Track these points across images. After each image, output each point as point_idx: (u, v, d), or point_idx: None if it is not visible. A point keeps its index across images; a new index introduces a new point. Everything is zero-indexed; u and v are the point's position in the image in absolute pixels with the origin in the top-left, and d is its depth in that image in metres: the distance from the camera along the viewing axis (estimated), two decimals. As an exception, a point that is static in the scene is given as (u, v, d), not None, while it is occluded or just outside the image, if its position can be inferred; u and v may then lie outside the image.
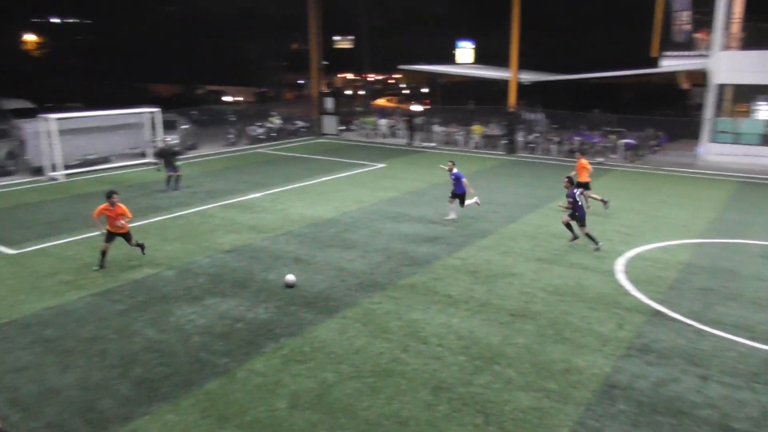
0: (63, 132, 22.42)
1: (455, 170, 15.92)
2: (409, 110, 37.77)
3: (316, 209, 17.49)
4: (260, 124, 33.76)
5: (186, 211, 17.27)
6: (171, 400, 7.69)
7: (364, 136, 35.06)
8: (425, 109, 38.43)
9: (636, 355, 8.92)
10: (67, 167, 22.72)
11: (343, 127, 36.36)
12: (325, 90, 39.92)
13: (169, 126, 27.40)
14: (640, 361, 8.73)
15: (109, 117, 24.76)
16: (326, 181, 21.71)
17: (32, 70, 55.38)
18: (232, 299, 10.90)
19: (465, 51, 48.57)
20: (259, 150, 29.94)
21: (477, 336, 9.49)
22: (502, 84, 32.07)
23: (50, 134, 21.93)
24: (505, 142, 29.30)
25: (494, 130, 31.29)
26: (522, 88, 30.27)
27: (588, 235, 13.78)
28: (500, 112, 31.23)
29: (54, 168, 22.31)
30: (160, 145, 21.10)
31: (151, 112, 25.55)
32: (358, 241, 14.35)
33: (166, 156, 20.47)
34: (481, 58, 46.89)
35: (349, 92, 64.54)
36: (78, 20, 62.97)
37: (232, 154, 28.65)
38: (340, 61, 63.36)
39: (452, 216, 16.21)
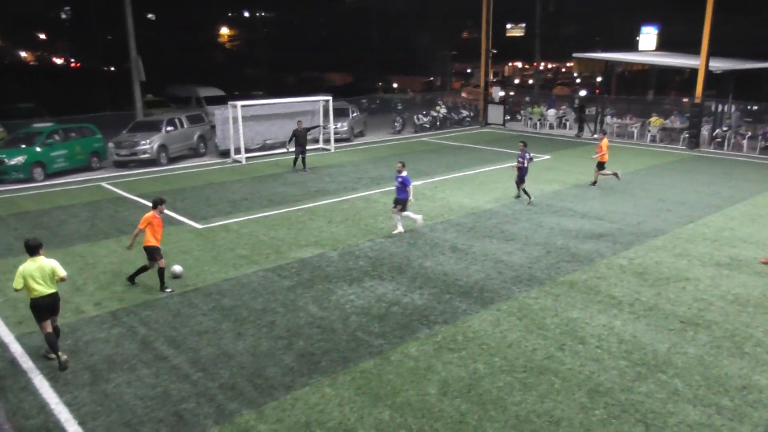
0: (246, 118, 24.38)
1: (404, 173, 13.91)
2: (582, 98, 36.01)
3: (476, 199, 17.39)
4: (425, 112, 34.20)
5: (351, 196, 18.01)
6: (329, 374, 8.11)
7: (531, 127, 34.14)
8: (595, 97, 36.48)
9: (832, 380, 7.85)
10: (248, 151, 24.69)
11: (509, 117, 35.65)
12: (493, 79, 39.37)
13: (340, 114, 28.70)
14: (837, 388, 7.67)
15: (286, 105, 26.50)
16: (488, 172, 21.47)
17: (225, 61, 60.79)
18: (390, 283, 11.21)
19: (648, 37, 45.22)
20: (423, 138, 30.36)
21: (641, 341, 8.89)
22: (687, 73, 29.46)
23: (236, 120, 23.93)
24: (688, 135, 26.98)
25: (675, 122, 28.94)
26: (711, 77, 27.55)
27: (523, 190, 16.79)
28: (683, 103, 28.76)
29: (238, 151, 24.36)
30: (296, 126, 22.09)
31: (325, 101, 26.92)
32: (518, 234, 14.05)
33: (298, 137, 21.46)
34: (664, 45, 43.45)
35: (517, 81, 63.17)
36: (266, 14, 67.83)
37: (397, 142, 29.33)
38: (510, 49, 62.03)
39: (399, 229, 14.15)
